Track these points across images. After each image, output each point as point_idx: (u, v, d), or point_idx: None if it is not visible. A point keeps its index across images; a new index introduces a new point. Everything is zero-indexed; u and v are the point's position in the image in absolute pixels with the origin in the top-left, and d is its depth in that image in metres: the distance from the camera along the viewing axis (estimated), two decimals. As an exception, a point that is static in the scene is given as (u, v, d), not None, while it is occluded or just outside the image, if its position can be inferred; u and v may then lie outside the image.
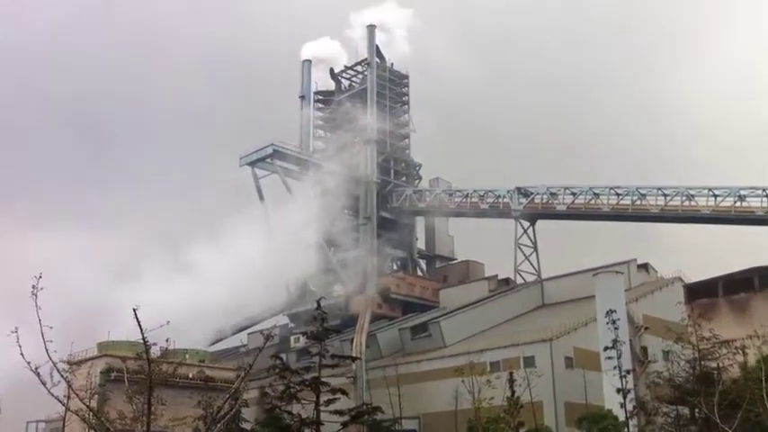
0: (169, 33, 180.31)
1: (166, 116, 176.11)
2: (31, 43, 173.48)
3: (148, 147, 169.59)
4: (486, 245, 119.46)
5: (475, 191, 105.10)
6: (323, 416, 50.96)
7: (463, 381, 56.81)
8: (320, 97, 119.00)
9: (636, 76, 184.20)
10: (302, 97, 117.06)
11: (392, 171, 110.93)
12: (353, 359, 72.98)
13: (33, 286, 21.75)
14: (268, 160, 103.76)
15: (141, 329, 21.91)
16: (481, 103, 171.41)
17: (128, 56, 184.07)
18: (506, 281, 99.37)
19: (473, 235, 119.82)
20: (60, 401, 28.54)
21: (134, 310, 21.38)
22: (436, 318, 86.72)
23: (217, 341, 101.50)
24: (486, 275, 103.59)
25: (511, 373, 57.31)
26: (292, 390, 52.67)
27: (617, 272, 69.08)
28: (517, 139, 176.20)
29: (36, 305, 21.36)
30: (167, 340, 50.59)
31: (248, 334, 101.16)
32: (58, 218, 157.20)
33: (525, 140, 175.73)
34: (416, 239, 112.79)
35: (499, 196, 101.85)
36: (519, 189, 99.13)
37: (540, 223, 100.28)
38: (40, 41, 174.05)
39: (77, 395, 26.47)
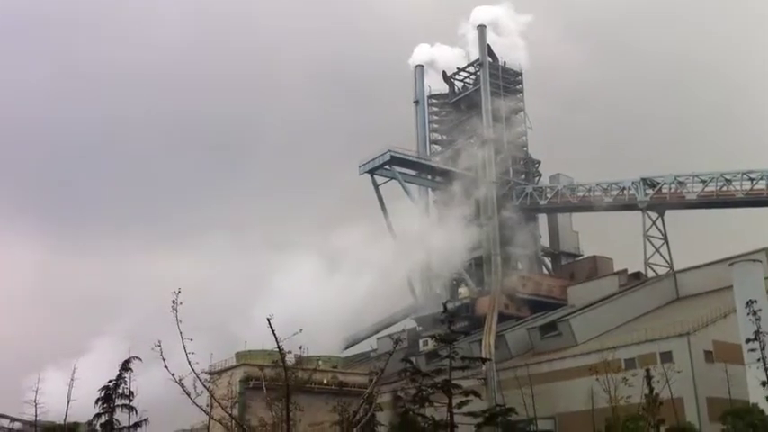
0: (283, 51, 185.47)
1: (287, 131, 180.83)
2: (154, 69, 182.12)
3: (271, 162, 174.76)
4: (612, 239, 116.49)
5: (598, 184, 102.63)
6: (456, 418, 50.97)
7: (598, 379, 55.54)
8: (434, 101, 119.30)
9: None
10: (416, 102, 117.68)
11: (511, 170, 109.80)
12: (483, 360, 72.60)
13: (173, 301, 22.91)
14: (386, 167, 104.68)
15: (276, 338, 22.67)
16: (597, 94, 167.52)
17: (245, 76, 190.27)
18: (637, 275, 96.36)
19: (599, 230, 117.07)
20: (204, 410, 29.86)
21: (268, 319, 22.16)
22: (566, 316, 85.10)
23: (348, 347, 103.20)
24: (615, 270, 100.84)
25: (648, 370, 55.61)
26: (424, 393, 52.96)
27: (755, 260, 65.81)
28: (637, 129, 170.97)
29: (177, 319, 22.48)
30: (301, 348, 51.68)
31: (377, 339, 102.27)
32: (189, 233, 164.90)
33: (645, 129, 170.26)
34: (540, 237, 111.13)
35: (624, 188, 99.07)
36: (644, 180, 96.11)
37: (668, 213, 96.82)
38: (163, 66, 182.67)
39: (219, 404, 27.58)
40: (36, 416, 61.56)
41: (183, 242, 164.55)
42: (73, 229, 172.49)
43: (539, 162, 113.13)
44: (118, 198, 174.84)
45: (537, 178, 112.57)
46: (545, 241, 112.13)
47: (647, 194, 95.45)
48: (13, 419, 76.75)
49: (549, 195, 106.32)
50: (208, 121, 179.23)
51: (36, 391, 60.25)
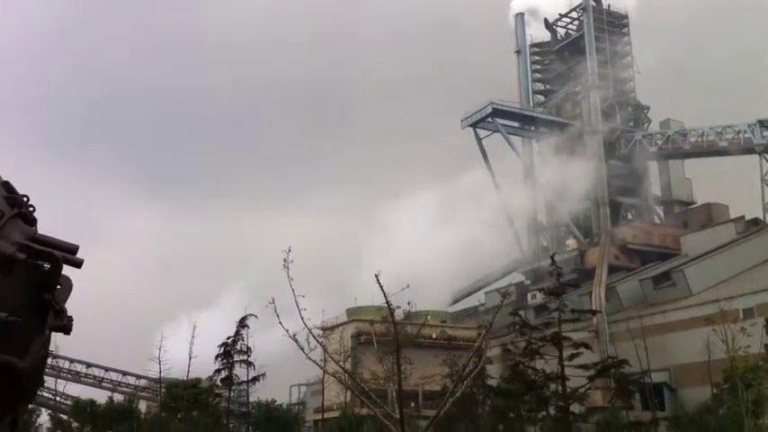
0: (382, 5, 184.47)
1: (388, 86, 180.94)
2: (244, 37, 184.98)
3: (372, 119, 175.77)
4: (727, 185, 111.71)
5: (711, 128, 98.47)
6: (567, 370, 50.67)
7: (714, 330, 54.00)
8: (536, 50, 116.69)
9: None
10: (518, 52, 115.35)
11: (618, 117, 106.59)
12: (594, 313, 71.69)
13: (284, 259, 23.60)
14: (489, 119, 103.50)
15: (384, 294, 23.09)
16: (707, 34, 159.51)
17: (344, 33, 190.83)
18: (755, 221, 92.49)
19: (713, 176, 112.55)
20: (318, 365, 30.84)
21: (376, 276, 22.55)
22: (680, 265, 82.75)
23: (455, 302, 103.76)
24: (732, 218, 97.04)
25: (767, 320, 53.64)
26: (534, 346, 52.81)
27: None
28: (751, 69, 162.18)
29: (288, 276, 23.16)
30: (409, 303, 52.37)
31: (485, 293, 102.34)
32: (298, 192, 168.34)
33: (760, 69, 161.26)
34: (650, 185, 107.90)
35: (739, 131, 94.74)
36: (761, 122, 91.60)
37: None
38: (253, 35, 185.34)
39: (332, 358, 28.41)
40: (160, 373, 64.94)
41: (293, 200, 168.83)
42: (187, 192, 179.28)
43: (647, 108, 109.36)
44: (228, 161, 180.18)
45: (646, 124, 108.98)
46: (656, 189, 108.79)
47: (764, 137, 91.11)
48: (139, 377, 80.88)
49: (659, 142, 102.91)
50: (309, 80, 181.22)
51: (159, 350, 63.56)
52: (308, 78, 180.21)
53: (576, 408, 54.45)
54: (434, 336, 77.84)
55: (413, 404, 59.24)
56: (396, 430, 24.54)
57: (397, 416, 24.03)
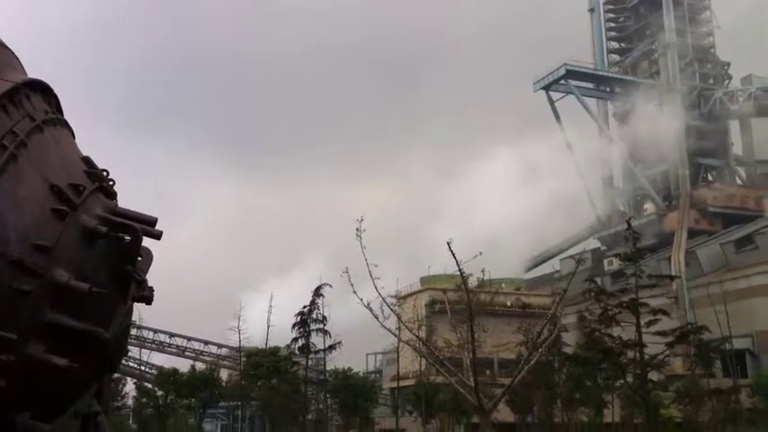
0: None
1: (458, 50, 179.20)
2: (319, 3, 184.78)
3: (443, 84, 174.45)
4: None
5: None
6: (645, 337, 49.74)
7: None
8: (610, 7, 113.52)
9: None
10: (591, 10, 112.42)
11: (697, 74, 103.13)
12: (672, 278, 70.14)
13: (357, 229, 23.78)
14: (562, 81, 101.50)
15: (457, 262, 23.07)
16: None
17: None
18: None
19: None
20: (393, 333, 31.05)
21: (448, 243, 22.54)
22: (763, 228, 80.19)
23: (530, 269, 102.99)
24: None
25: None
26: (610, 313, 52.01)
27: None
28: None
29: (361, 245, 23.34)
30: (482, 270, 52.21)
31: (560, 260, 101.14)
32: (372, 160, 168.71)
33: None
34: (732, 145, 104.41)
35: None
36: None
37: None
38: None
39: (407, 327, 28.60)
40: (240, 341, 66.51)
41: (368, 169, 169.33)
42: (264, 164, 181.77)
43: (728, 64, 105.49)
44: (305, 131, 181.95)
45: (726, 82, 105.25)
46: (737, 149, 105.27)
47: None
48: (220, 346, 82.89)
49: (740, 99, 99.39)
50: (380, 45, 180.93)
51: (239, 319, 65.08)
52: (380, 43, 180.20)
53: (654, 375, 53.61)
54: (509, 303, 77.54)
55: (487, 372, 59.12)
56: (471, 398, 24.63)
57: (472, 383, 24.10)
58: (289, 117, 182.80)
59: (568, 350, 59.82)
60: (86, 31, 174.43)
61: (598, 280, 69.53)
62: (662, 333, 50.20)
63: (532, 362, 26.12)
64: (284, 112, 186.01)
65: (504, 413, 50.92)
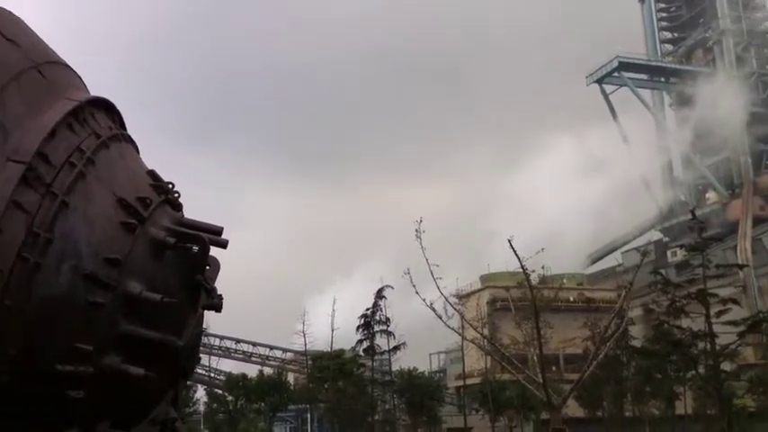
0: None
1: (506, 44, 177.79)
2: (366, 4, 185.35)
3: (493, 80, 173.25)
4: None
5: None
6: (715, 327, 48.64)
7: None
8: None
9: None
10: (642, 1, 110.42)
11: (754, 60, 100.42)
12: (741, 267, 68.46)
13: (416, 230, 23.81)
14: (615, 74, 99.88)
15: (519, 259, 22.90)
16: None
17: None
18: None
19: None
20: (457, 332, 30.95)
21: (509, 240, 22.39)
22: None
23: (592, 263, 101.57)
24: None
25: None
26: (678, 304, 51.00)
27: None
28: None
29: (421, 246, 23.36)
30: (543, 267, 51.81)
31: (622, 253, 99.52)
32: (427, 161, 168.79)
33: None
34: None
35: None
36: None
37: None
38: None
39: (471, 325, 28.49)
40: (305, 345, 67.12)
41: (426, 169, 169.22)
42: (324, 167, 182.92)
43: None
44: (362, 134, 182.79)
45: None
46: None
47: None
48: (285, 350, 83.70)
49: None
50: (429, 45, 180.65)
51: (303, 324, 65.71)
52: (429, 43, 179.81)
53: (726, 365, 52.39)
54: (571, 299, 76.61)
55: (554, 368, 58.56)
56: (539, 394, 24.41)
57: (540, 380, 23.88)
58: (341, 122, 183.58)
59: (636, 343, 58.89)
60: (139, 43, 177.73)
61: (662, 271, 68.41)
62: (732, 323, 49.03)
63: (601, 356, 25.76)
64: (337, 118, 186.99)
65: (572, 408, 50.26)
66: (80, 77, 4.01)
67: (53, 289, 3.21)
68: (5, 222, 3.08)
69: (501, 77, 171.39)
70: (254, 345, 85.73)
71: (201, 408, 72.44)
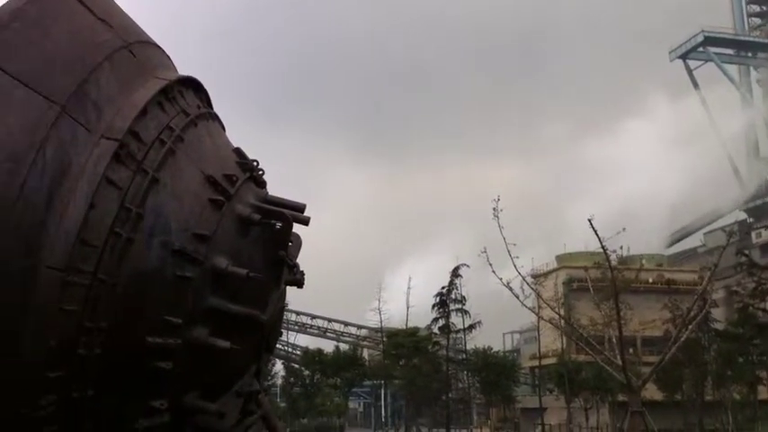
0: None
1: (585, 19, 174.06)
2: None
3: (570, 54, 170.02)
4: None
5: None
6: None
7: None
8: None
9: None
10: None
11: None
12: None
13: (494, 209, 23.62)
14: (700, 49, 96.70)
15: (599, 239, 22.49)
16: None
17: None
18: None
19: None
20: (534, 312, 30.68)
21: (589, 220, 22.02)
22: None
23: (672, 244, 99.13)
24: None
25: None
26: (764, 286, 49.47)
27: None
28: None
29: (499, 225, 23.18)
30: (621, 247, 50.86)
31: (704, 234, 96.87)
32: (501, 138, 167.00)
33: None
34: None
35: None
36: None
37: None
38: None
39: (548, 305, 28.17)
40: (381, 322, 67.65)
41: (500, 146, 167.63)
42: (402, 143, 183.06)
43: None
44: (435, 113, 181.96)
45: None
46: None
47: None
48: (359, 327, 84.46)
49: None
50: (503, 23, 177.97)
51: (379, 301, 66.24)
52: (502, 20, 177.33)
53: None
54: (651, 280, 74.95)
55: (631, 350, 57.57)
56: (618, 376, 24.03)
57: (619, 362, 23.50)
58: (419, 100, 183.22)
59: (718, 326, 57.41)
60: (216, 22, 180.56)
61: (747, 252, 66.34)
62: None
63: (682, 339, 25.17)
64: (415, 97, 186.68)
65: (651, 391, 49.38)
66: (168, 57, 4.09)
67: (144, 263, 3.29)
68: (99, 198, 3.16)
69: (577, 53, 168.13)
70: (329, 321, 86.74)
71: (279, 381, 73.86)
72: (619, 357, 23.69)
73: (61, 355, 3.09)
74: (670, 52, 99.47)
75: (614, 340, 25.57)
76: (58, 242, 3.06)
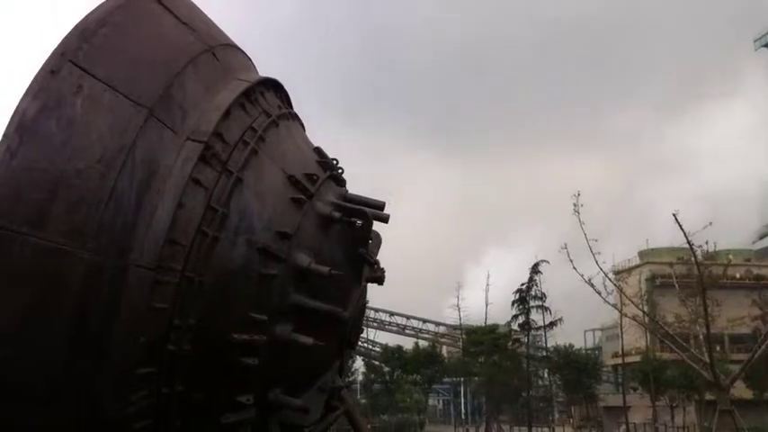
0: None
1: (669, 8, 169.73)
2: None
3: (653, 42, 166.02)
4: None
5: None
6: None
7: None
8: None
9: None
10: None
11: None
12: None
13: (574, 204, 23.27)
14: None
15: (685, 234, 21.89)
16: None
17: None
18: None
19: None
20: (616, 308, 30.07)
21: (674, 215, 21.45)
22: None
23: (762, 237, 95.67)
24: None
25: None
26: None
27: None
28: None
29: (579, 221, 22.82)
30: (707, 242, 49.35)
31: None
32: (580, 131, 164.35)
33: None
34: None
35: None
36: None
37: None
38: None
39: (632, 301, 27.59)
40: (460, 319, 67.35)
41: (582, 143, 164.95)
42: (481, 138, 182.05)
43: None
44: (510, 108, 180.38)
45: None
46: None
47: None
48: (437, 324, 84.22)
49: None
50: (577, 16, 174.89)
51: (458, 297, 65.99)
52: (576, 14, 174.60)
53: None
54: (738, 275, 72.50)
55: (718, 348, 55.81)
56: (705, 374, 23.35)
57: (707, 359, 22.84)
58: (496, 96, 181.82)
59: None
60: (300, 26, 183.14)
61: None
62: None
63: (774, 336, 24.31)
64: (492, 92, 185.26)
65: (739, 390, 47.79)
66: (249, 58, 4.17)
67: (229, 261, 3.36)
68: (186, 198, 3.25)
69: (659, 44, 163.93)
70: (408, 318, 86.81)
71: (360, 378, 74.34)
72: (706, 355, 23.00)
73: (151, 351, 3.18)
74: (754, 41, 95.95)
75: (701, 337, 24.85)
76: (148, 242, 3.15)
